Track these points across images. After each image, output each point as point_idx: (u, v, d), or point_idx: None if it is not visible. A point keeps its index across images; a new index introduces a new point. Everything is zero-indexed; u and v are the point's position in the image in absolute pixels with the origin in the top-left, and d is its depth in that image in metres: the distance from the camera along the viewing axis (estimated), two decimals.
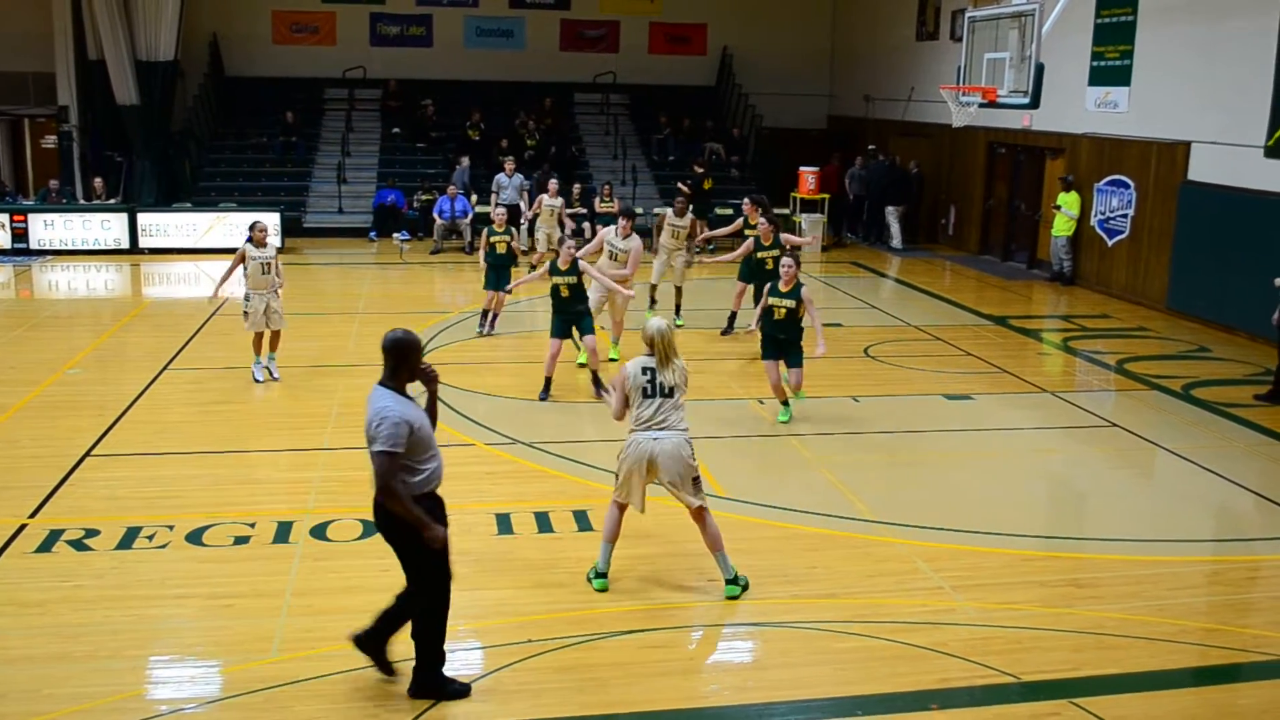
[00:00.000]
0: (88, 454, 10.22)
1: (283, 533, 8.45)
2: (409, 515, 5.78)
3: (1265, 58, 15.20)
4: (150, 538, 8.33)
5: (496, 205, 20.73)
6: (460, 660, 6.33)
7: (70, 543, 8.22)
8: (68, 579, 7.66)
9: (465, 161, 24.43)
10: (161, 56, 24.45)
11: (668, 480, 7.44)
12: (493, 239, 14.99)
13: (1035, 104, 15.10)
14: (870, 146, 25.78)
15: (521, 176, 23.03)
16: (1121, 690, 6.49)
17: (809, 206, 24.58)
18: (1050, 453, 11.15)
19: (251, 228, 12.62)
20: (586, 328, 12.42)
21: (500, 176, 22.60)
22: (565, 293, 12.36)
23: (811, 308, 11.14)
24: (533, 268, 16.27)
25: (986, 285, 20.27)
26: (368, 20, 28.23)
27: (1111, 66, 18.78)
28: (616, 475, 7.62)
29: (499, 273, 15.04)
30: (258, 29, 27.70)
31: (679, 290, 16.06)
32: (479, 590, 7.54)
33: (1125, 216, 18.54)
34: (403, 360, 5.92)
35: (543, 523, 8.79)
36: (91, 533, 8.39)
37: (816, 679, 6.60)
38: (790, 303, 11.11)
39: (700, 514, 7.54)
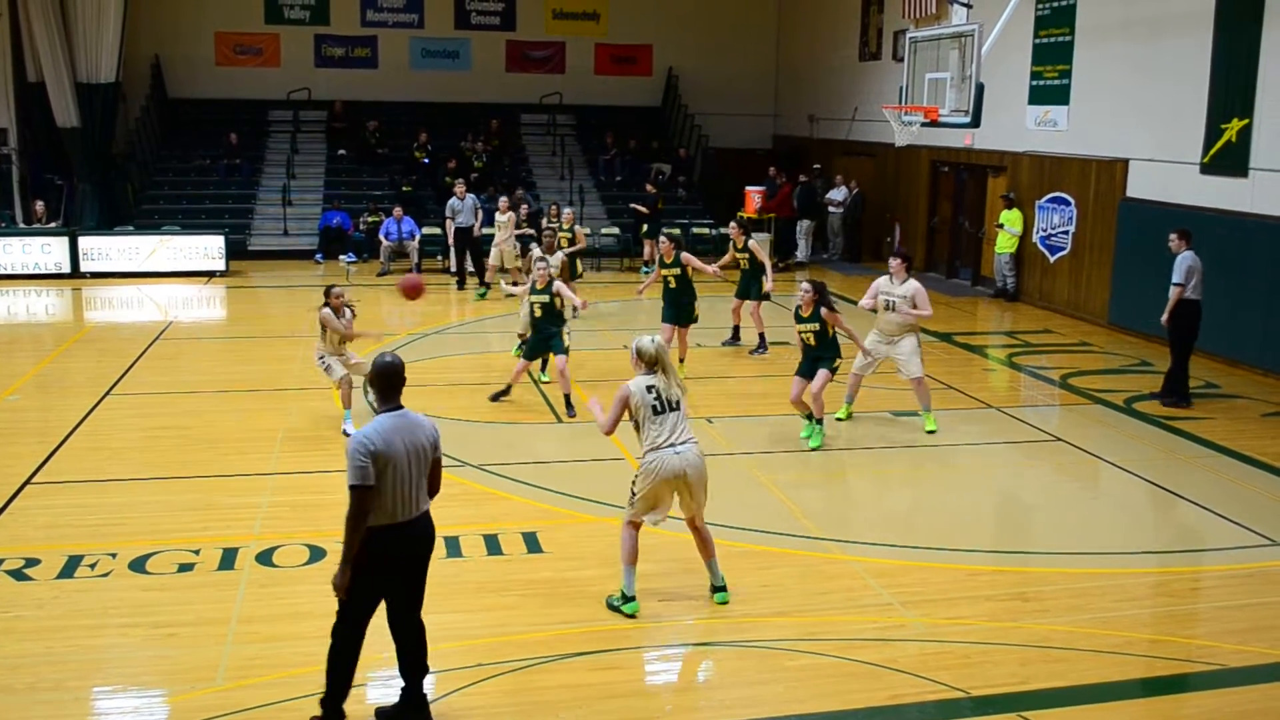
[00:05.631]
0: (27, 482, 10.03)
1: (228, 559, 8.34)
2: (345, 549, 5.78)
3: (1199, 76, 15.51)
4: (92, 566, 8.19)
5: (452, 229, 20.92)
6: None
7: (10, 573, 8.06)
8: (7, 609, 7.51)
9: (460, 188, 22.75)
10: (102, 78, 24.18)
11: (695, 491, 7.48)
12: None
13: (976, 123, 15.31)
14: (815, 166, 26.00)
15: (474, 197, 22.93)
16: (1069, 703, 6.55)
17: (756, 226, 24.72)
18: (996, 467, 11.27)
19: (327, 294, 11.62)
20: (557, 348, 12.49)
21: (453, 200, 22.25)
22: (539, 312, 12.48)
23: (841, 321, 11.13)
24: (515, 283, 16.31)
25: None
26: (312, 42, 28.10)
27: (1050, 86, 19.08)
28: (632, 495, 7.55)
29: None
30: (200, 51, 27.48)
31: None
32: (427, 614, 7.40)
33: (1066, 233, 18.81)
34: (397, 383, 6.00)
35: (491, 545, 8.74)
36: (31, 562, 8.24)
37: (767, 698, 6.60)
38: (814, 326, 11.11)
39: (698, 521, 7.66)
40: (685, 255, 14.23)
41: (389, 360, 6.01)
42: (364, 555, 5.81)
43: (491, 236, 20.35)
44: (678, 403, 7.44)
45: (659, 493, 7.45)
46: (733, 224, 15.77)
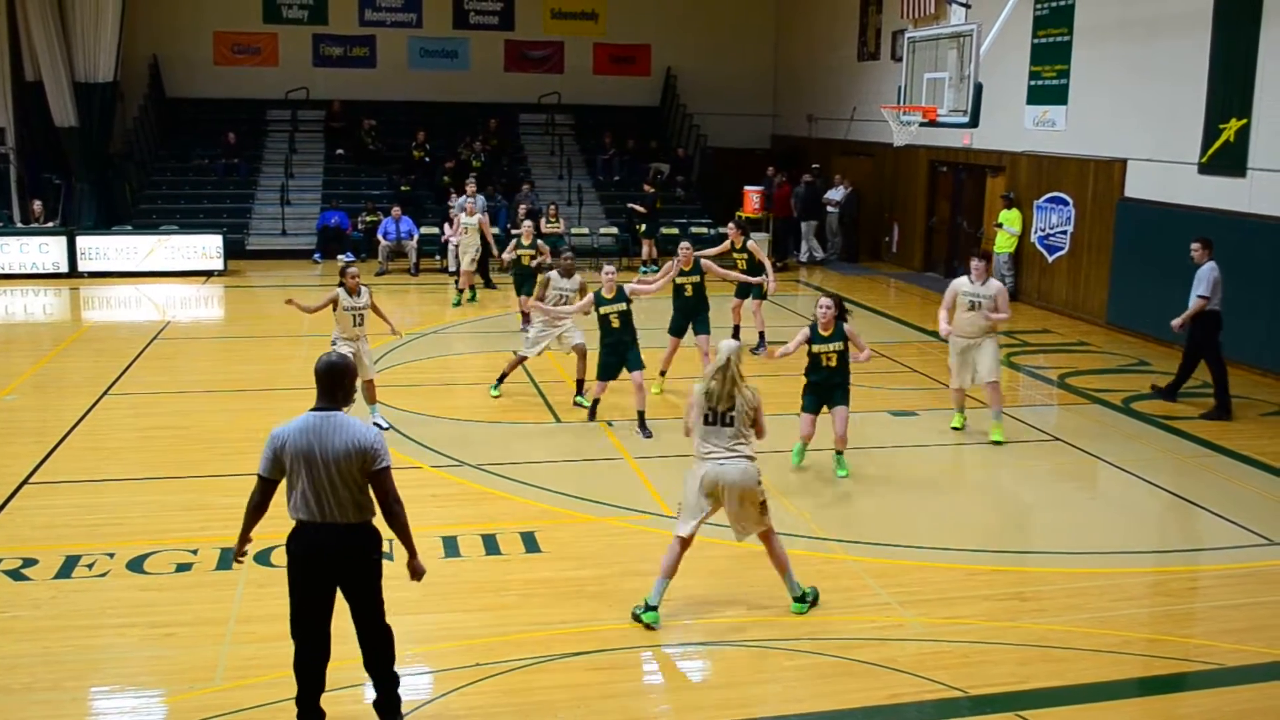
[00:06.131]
0: (25, 482, 10.03)
1: (226, 559, 8.33)
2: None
3: (1198, 76, 15.52)
4: (90, 566, 8.19)
5: (459, 227, 20.32)
6: (407, 685, 6.26)
7: (7, 573, 8.05)
8: (4, 610, 7.51)
9: (471, 188, 22.51)
10: (100, 78, 24.17)
11: (731, 508, 7.36)
12: (519, 251, 16.22)
13: (975, 123, 15.30)
14: (814, 165, 26.01)
15: (483, 198, 22.97)
16: (1067, 702, 6.56)
17: (754, 226, 24.72)
18: (994, 467, 11.26)
19: (343, 273, 11.54)
20: (635, 362, 11.71)
21: (463, 198, 22.37)
22: (615, 323, 11.63)
23: (860, 339, 10.28)
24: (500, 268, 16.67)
25: (930, 302, 20.43)
26: (310, 41, 28.09)
27: (1049, 86, 19.08)
28: (680, 505, 7.54)
29: (522, 279, 16.04)
30: (199, 50, 27.47)
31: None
32: (425, 614, 7.48)
33: (1065, 233, 18.81)
34: (334, 384, 5.82)
35: (490, 545, 8.74)
36: (29, 562, 8.23)
37: (765, 697, 6.61)
38: (837, 345, 10.16)
39: (767, 537, 7.52)
40: (705, 262, 13.52)
41: (332, 360, 5.84)
42: (287, 551, 5.83)
43: (497, 236, 20.06)
44: (731, 418, 7.32)
45: (698, 501, 7.38)
46: (731, 224, 15.74)
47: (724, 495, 7.33)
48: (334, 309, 11.47)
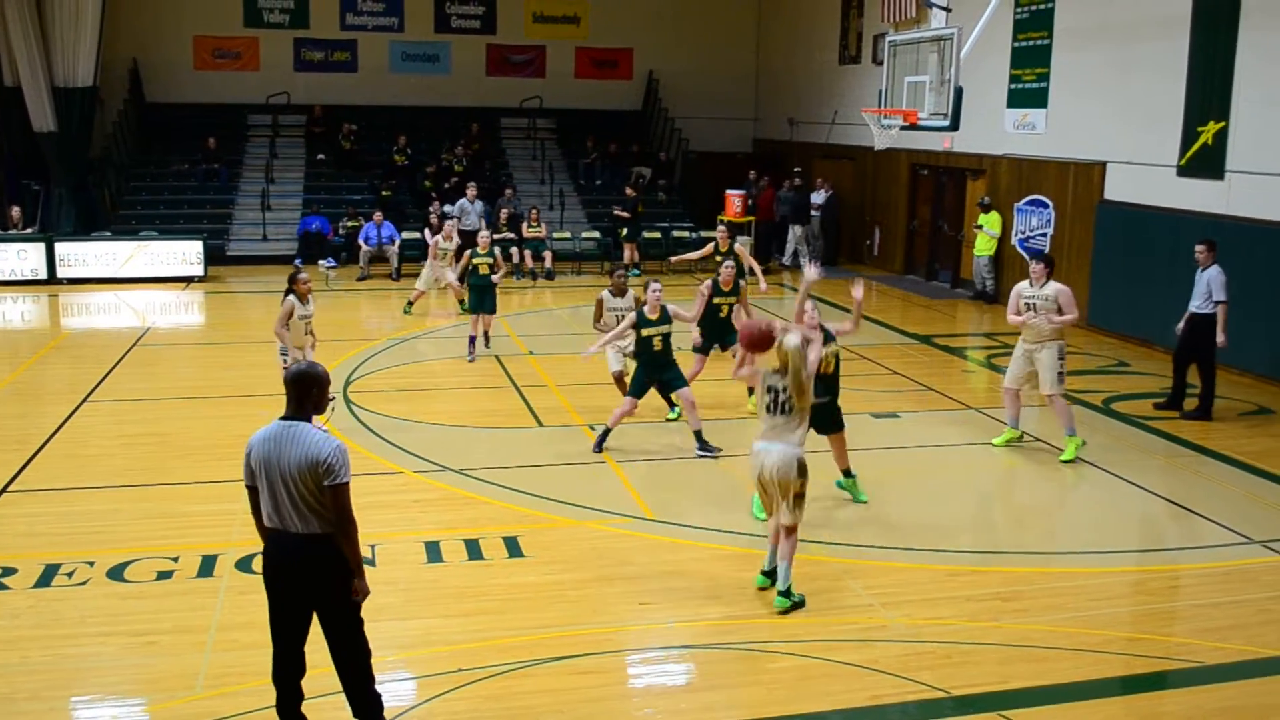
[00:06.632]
0: (4, 490, 9.97)
1: (207, 566, 8.30)
2: None
3: (1176, 79, 15.61)
4: (70, 575, 8.14)
5: (456, 231, 19.98)
6: (389, 691, 6.25)
7: None
8: None
9: (471, 192, 22.79)
10: (80, 83, 24.02)
11: (771, 491, 7.70)
12: (475, 260, 15.26)
13: (955, 126, 15.34)
14: (796, 170, 26.06)
15: (483, 203, 22.96)
16: (1050, 701, 6.58)
17: (736, 230, 24.72)
18: (975, 468, 11.29)
19: (295, 280, 11.39)
20: (679, 380, 11.36)
21: (463, 202, 22.36)
22: (658, 345, 11.18)
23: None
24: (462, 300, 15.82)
25: (911, 305, 20.54)
26: (291, 45, 28.00)
27: (1029, 89, 19.17)
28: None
29: (481, 294, 15.20)
30: (179, 55, 27.35)
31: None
32: (408, 620, 7.47)
33: (1045, 235, 18.89)
34: (303, 393, 5.74)
35: (473, 550, 8.72)
36: (8, 571, 8.18)
37: (749, 700, 6.61)
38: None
39: (792, 531, 7.74)
40: (741, 281, 13.03)
41: (302, 368, 5.78)
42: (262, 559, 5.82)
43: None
44: (790, 409, 7.58)
45: (758, 484, 7.83)
46: (720, 227, 15.78)
47: (764, 479, 7.69)
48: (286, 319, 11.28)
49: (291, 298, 11.30)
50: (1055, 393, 11.14)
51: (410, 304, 18.72)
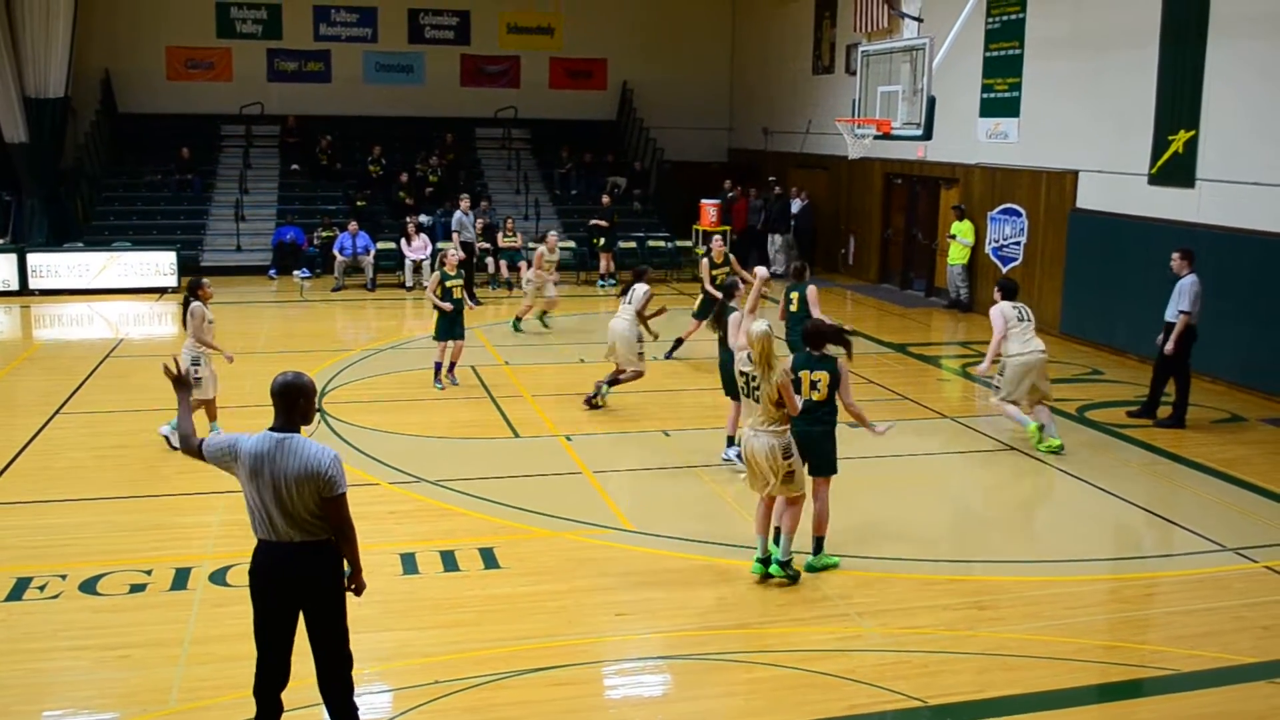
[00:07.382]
0: None
1: (181, 579, 8.24)
2: None
3: (1146, 89, 15.74)
4: (41, 588, 8.06)
5: (458, 244, 19.88)
6: (366, 704, 6.21)
7: None
8: None
9: (465, 203, 22.41)
10: (51, 93, 23.89)
11: (761, 472, 8.01)
12: (447, 283, 13.78)
13: (928, 135, 15.46)
14: (771, 179, 26.14)
15: (459, 214, 22.84)
16: (1026, 710, 6.60)
17: (710, 237, 24.80)
18: (950, 477, 11.34)
19: (199, 287, 11.42)
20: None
21: (459, 215, 21.80)
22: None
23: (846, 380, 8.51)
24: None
25: (886, 313, 20.61)
26: (265, 56, 27.94)
27: (1001, 98, 19.29)
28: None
29: (451, 319, 13.82)
30: (151, 65, 27.25)
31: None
32: (383, 632, 7.43)
33: (1018, 244, 19.00)
34: (290, 404, 5.68)
35: (448, 561, 8.69)
36: None
37: (726, 711, 6.60)
38: (823, 374, 8.35)
39: (795, 502, 8.20)
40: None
41: (288, 379, 5.68)
42: (249, 568, 5.76)
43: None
44: (759, 396, 7.92)
45: (748, 469, 8.16)
46: (716, 238, 15.92)
47: (749, 461, 8.07)
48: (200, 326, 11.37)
49: (200, 305, 11.41)
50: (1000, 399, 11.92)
51: (519, 320, 18.19)
